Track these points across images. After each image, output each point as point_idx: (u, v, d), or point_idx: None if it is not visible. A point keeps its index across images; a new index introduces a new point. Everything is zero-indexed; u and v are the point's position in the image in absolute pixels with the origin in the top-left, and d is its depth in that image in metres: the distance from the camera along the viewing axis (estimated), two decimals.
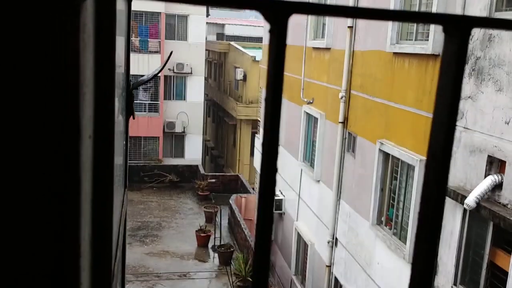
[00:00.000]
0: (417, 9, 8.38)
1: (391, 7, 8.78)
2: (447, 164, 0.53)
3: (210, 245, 17.88)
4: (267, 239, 0.50)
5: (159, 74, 23.08)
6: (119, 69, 1.63)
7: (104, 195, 0.85)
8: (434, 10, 7.59)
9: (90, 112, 0.71)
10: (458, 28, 0.51)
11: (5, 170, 0.59)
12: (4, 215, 0.61)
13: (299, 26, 13.69)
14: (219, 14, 45.07)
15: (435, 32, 7.49)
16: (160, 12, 25.61)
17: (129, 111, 2.12)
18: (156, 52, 25.70)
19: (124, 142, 2.02)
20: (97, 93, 0.76)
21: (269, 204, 0.50)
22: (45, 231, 0.62)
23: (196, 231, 18.05)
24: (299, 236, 13.82)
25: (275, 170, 0.50)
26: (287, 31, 0.49)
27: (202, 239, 17.80)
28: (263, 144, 0.50)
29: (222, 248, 16.90)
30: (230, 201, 19.67)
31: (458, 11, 6.98)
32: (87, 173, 0.71)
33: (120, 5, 1.69)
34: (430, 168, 0.54)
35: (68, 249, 0.63)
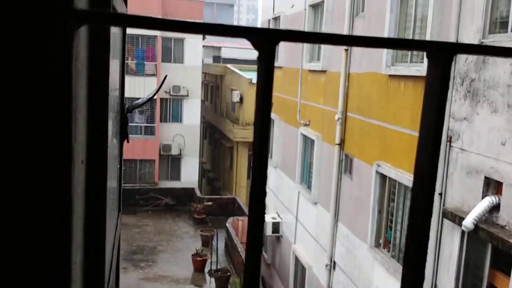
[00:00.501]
0: (411, 33, 8.49)
1: (386, 31, 8.89)
2: (433, 186, 0.54)
3: (206, 269, 17.67)
4: (256, 263, 0.50)
5: (155, 97, 23.16)
6: (114, 92, 1.65)
7: (97, 220, 0.85)
8: (428, 33, 7.69)
9: (83, 137, 0.72)
10: (440, 54, 0.52)
11: None
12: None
13: (295, 49, 13.83)
14: (216, 37, 45.46)
15: None
16: (156, 36, 25.84)
17: (123, 135, 2.13)
18: (152, 75, 25.84)
19: (118, 166, 2.02)
20: (90, 119, 0.76)
21: (259, 227, 0.51)
22: (36, 255, 0.62)
23: (193, 255, 17.86)
24: (296, 260, 13.71)
25: (264, 194, 0.51)
26: (274, 58, 0.51)
27: (199, 264, 17.59)
28: (253, 168, 0.51)
29: (219, 273, 16.71)
30: (227, 224, 19.52)
31: (452, 34, 7.07)
32: (79, 198, 0.71)
33: (115, 28, 1.71)
34: (416, 190, 0.54)
35: (59, 273, 0.63)
